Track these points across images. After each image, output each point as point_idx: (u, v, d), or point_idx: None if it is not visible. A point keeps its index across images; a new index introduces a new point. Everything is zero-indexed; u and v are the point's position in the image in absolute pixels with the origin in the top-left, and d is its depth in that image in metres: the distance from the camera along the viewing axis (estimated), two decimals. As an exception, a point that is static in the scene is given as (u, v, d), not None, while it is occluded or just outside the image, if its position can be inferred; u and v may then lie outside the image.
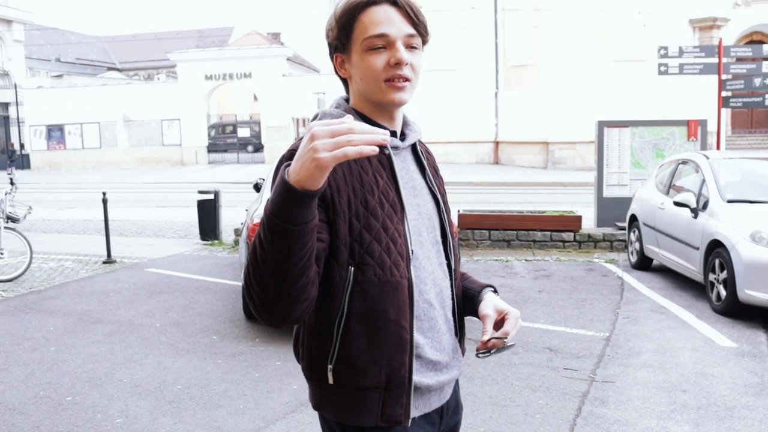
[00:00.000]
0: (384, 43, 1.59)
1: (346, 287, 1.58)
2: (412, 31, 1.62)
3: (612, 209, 11.39)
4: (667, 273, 8.97)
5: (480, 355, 1.68)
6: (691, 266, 7.78)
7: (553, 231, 10.98)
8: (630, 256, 9.78)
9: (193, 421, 4.55)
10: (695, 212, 7.72)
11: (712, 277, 7.23)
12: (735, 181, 7.94)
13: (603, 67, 27.63)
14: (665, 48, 13.00)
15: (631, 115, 19.45)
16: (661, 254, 8.68)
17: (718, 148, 12.91)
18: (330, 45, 1.68)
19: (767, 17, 28.18)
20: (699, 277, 7.63)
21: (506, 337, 1.68)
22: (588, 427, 4.41)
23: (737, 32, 27.90)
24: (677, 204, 7.98)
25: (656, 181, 9.37)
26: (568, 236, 10.92)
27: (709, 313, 7.06)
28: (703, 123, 11.38)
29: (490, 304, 1.78)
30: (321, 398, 1.69)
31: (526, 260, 10.06)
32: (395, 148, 1.71)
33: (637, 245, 9.46)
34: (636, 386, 5.10)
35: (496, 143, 31.68)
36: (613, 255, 10.43)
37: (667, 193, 8.79)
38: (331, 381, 1.63)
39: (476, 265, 9.66)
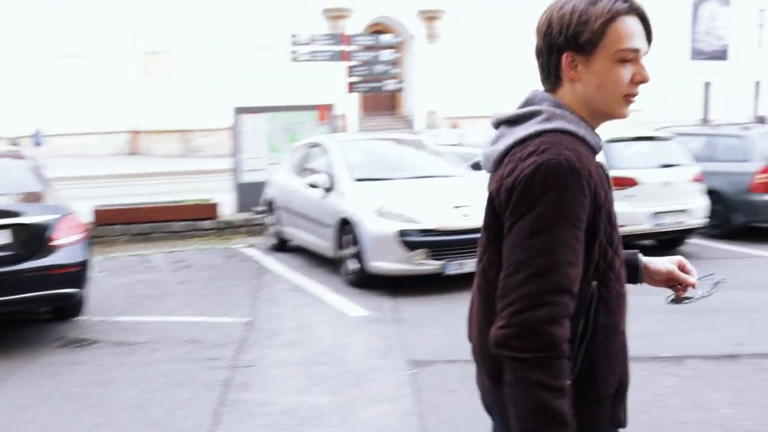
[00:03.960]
0: (632, 57, 1.58)
1: (591, 302, 1.59)
2: (647, 48, 1.61)
3: (251, 194, 11.49)
4: (305, 253, 9.27)
5: (685, 302, 1.87)
6: (326, 243, 8.16)
7: (191, 220, 10.79)
8: (269, 239, 9.96)
9: None
10: (327, 192, 8.10)
11: (343, 252, 7.66)
12: (362, 161, 8.49)
13: (239, 53, 28.07)
14: (296, 35, 13.46)
15: (270, 101, 19.94)
16: (297, 235, 8.98)
17: (346, 130, 13.81)
18: (567, 41, 1.57)
19: (390, 9, 31.18)
20: (332, 253, 8.03)
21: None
22: (232, 414, 4.37)
23: (366, 21, 30.41)
24: (310, 186, 8.31)
25: (291, 165, 9.65)
26: (208, 224, 10.83)
27: (342, 286, 7.47)
28: (331, 107, 12.05)
29: (664, 261, 1.88)
30: None
31: (167, 252, 9.72)
32: None
33: (275, 228, 9.66)
34: (277, 366, 5.19)
35: (135, 133, 30.57)
36: (253, 239, 10.52)
37: (301, 175, 9.11)
38: None
39: (114, 262, 9.03)
